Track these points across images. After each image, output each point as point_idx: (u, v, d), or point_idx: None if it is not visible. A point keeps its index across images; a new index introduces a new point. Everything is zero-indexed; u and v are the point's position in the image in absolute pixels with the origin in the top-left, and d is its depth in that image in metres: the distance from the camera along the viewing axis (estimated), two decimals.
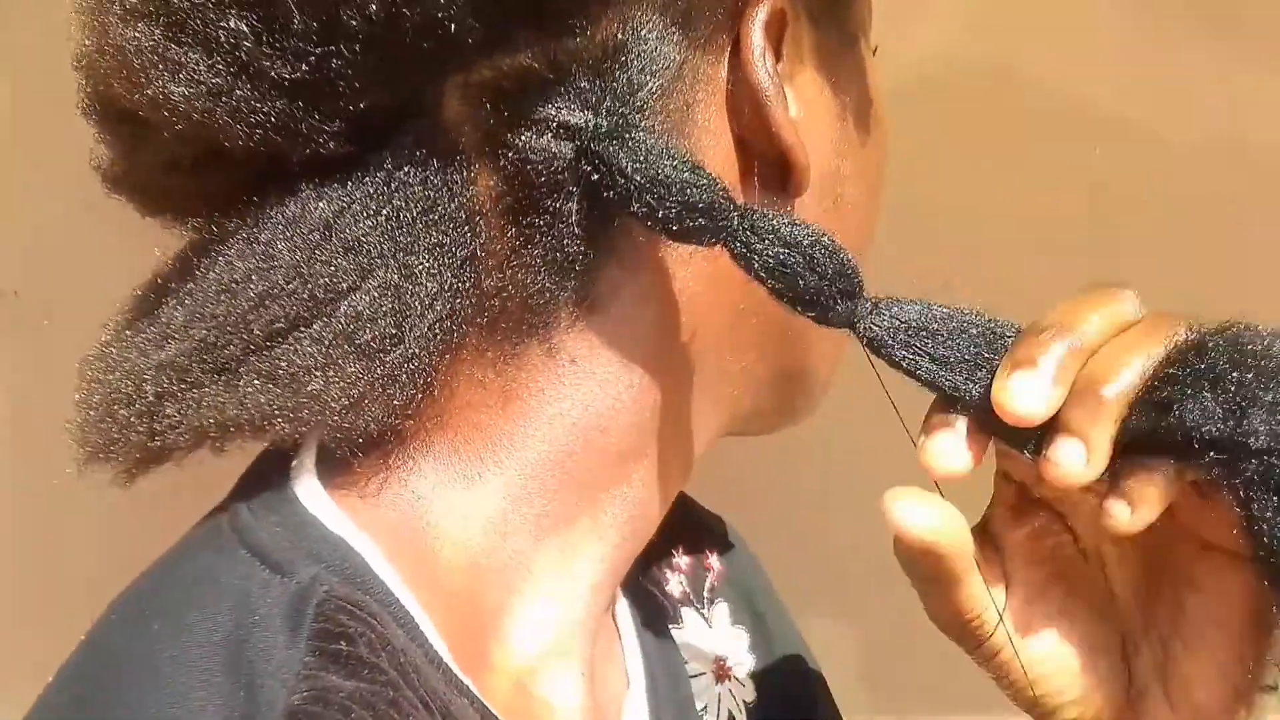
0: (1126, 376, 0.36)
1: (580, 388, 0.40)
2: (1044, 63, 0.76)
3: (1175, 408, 0.35)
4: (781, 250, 0.37)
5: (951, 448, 0.37)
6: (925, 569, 0.39)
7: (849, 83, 0.43)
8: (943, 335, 0.39)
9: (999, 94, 0.76)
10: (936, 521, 0.38)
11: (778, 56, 0.40)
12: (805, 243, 0.37)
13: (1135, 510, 0.36)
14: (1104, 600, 0.42)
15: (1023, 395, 0.36)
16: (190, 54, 0.35)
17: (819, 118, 0.42)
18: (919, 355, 0.38)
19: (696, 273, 0.40)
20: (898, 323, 0.38)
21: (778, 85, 0.39)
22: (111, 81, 0.37)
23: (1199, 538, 0.39)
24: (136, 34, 0.36)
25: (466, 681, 0.37)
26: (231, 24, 0.35)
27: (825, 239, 0.37)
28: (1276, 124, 0.76)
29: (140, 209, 0.41)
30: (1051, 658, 0.41)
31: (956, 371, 0.38)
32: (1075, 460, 0.36)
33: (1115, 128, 0.76)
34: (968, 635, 0.41)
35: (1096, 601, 0.42)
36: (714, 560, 0.55)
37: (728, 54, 0.39)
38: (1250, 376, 0.35)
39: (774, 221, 0.37)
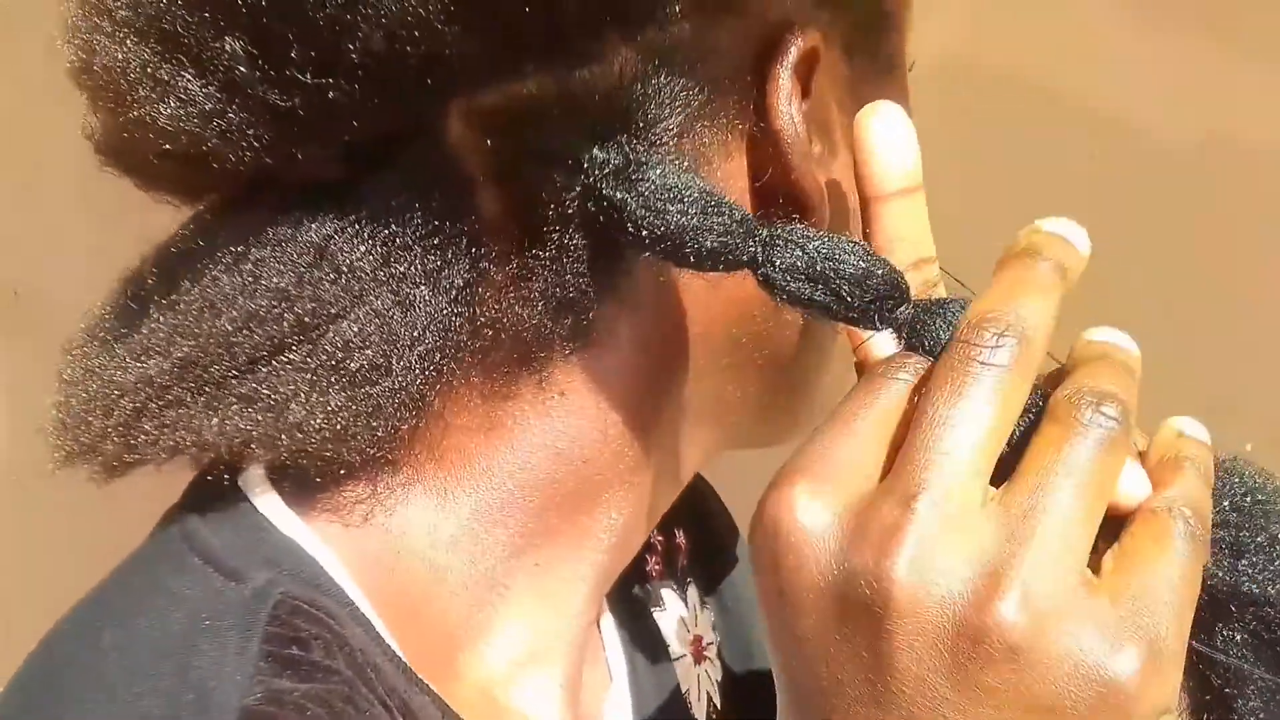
0: None
1: (568, 420, 0.39)
2: (1044, 63, 0.76)
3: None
4: (811, 272, 0.35)
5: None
6: None
7: None
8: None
9: (998, 94, 0.76)
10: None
11: (806, 93, 0.38)
12: (836, 258, 0.35)
13: None
14: None
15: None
16: (181, 74, 0.34)
17: (845, 154, 0.40)
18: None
19: (698, 311, 0.39)
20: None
21: (802, 127, 0.37)
22: (98, 101, 0.37)
23: None
24: (126, 52, 0.35)
25: (426, 681, 0.37)
26: (226, 46, 0.34)
27: (856, 249, 0.35)
28: (1276, 124, 0.76)
29: (136, 184, 0.40)
30: None
31: None
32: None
33: (1115, 128, 0.75)
34: None
35: None
36: (682, 537, 0.55)
37: (753, 93, 0.37)
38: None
39: (799, 241, 0.35)
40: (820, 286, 0.35)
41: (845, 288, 0.35)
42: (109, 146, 0.39)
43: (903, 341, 0.36)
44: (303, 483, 0.38)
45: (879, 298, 0.35)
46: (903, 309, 0.36)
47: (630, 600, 0.50)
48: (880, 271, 0.35)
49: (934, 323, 0.35)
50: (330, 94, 0.34)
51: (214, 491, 0.39)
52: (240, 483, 0.39)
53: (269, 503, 0.38)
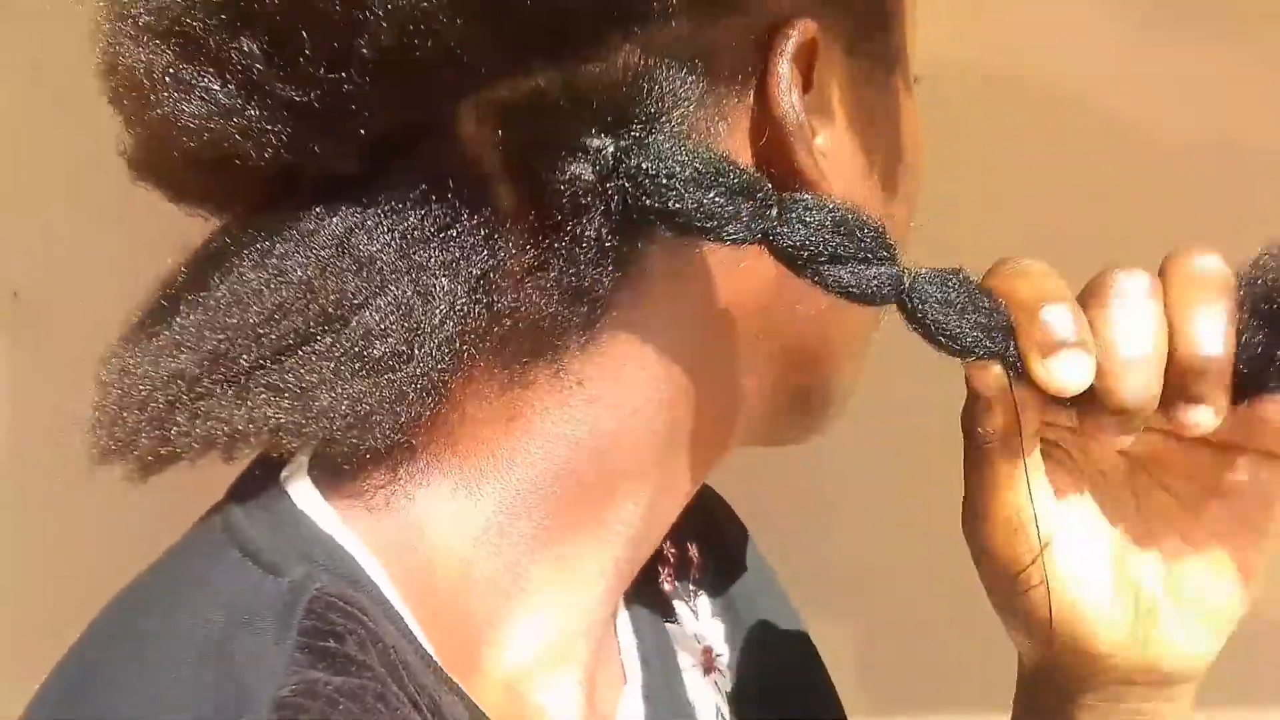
0: (1220, 338, 0.40)
1: (585, 409, 0.39)
2: (1043, 63, 0.76)
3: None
4: (826, 228, 0.36)
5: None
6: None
7: (883, 113, 0.43)
8: (972, 301, 0.38)
9: (998, 94, 0.76)
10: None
11: (808, 85, 0.39)
12: (847, 218, 0.37)
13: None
14: (1116, 522, 0.44)
15: (1069, 370, 0.38)
16: (202, 73, 0.36)
17: (848, 148, 0.41)
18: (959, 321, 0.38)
19: (712, 301, 0.40)
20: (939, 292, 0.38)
21: (803, 118, 0.38)
22: (124, 99, 0.38)
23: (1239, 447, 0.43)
24: (150, 53, 0.36)
25: (454, 679, 0.37)
26: (244, 45, 0.35)
27: (855, 212, 0.37)
28: (1277, 124, 0.76)
29: (165, 196, 0.41)
30: (1075, 585, 0.43)
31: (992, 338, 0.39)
32: (1210, 420, 0.39)
33: (1115, 128, 0.76)
34: (1015, 541, 0.42)
35: (1109, 527, 0.44)
36: (694, 551, 0.55)
37: (754, 85, 0.39)
38: None
39: (817, 200, 0.37)
40: (836, 228, 0.37)
41: (855, 226, 0.37)
42: (139, 160, 0.40)
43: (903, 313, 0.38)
44: (337, 475, 0.39)
45: (878, 243, 0.37)
46: (899, 269, 0.37)
47: (645, 606, 0.50)
48: (877, 225, 0.37)
49: (931, 294, 0.37)
50: (344, 88, 0.35)
51: (256, 486, 0.40)
52: (281, 478, 0.39)
53: (307, 498, 0.39)
